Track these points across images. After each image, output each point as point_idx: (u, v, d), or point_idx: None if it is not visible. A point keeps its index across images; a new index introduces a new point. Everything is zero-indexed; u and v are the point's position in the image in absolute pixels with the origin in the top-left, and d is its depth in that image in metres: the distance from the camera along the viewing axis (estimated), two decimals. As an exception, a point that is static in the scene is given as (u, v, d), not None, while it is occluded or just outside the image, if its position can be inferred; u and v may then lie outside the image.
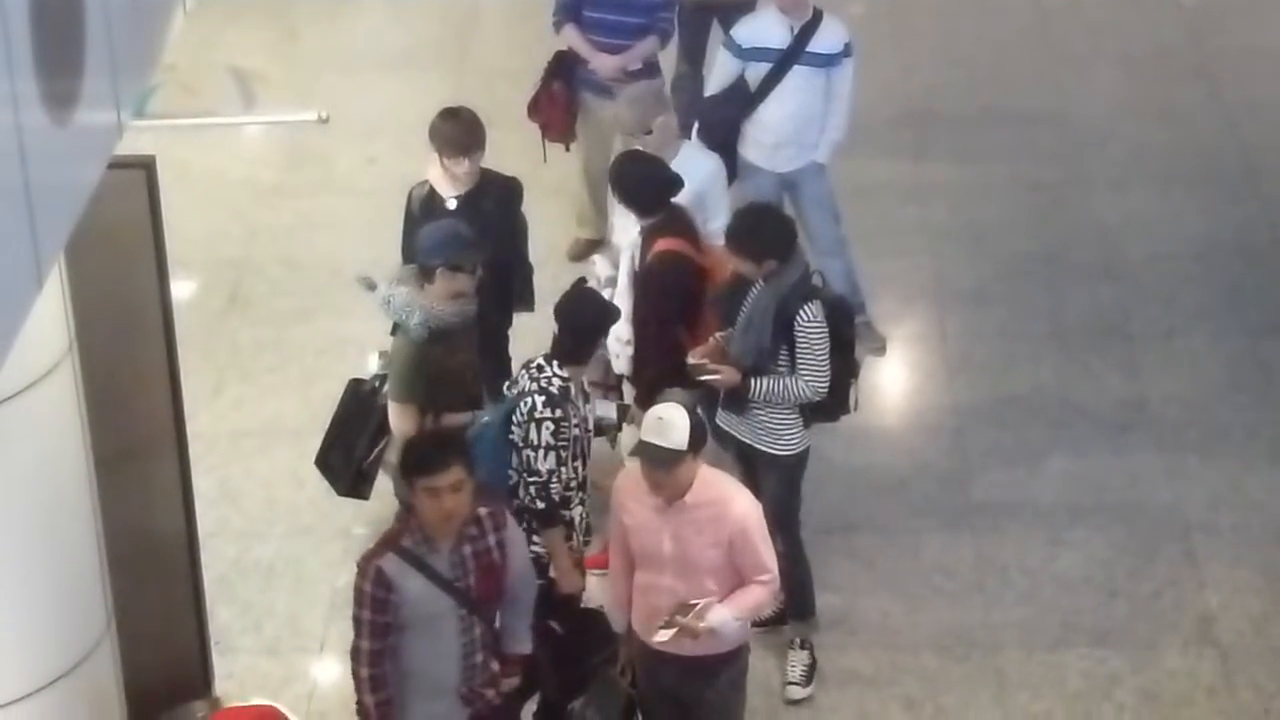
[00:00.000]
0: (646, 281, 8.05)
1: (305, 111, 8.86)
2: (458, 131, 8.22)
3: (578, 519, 7.28)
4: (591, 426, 7.37)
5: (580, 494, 7.27)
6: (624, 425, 8.27)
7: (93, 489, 6.45)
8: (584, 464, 7.24)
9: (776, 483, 7.65)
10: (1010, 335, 9.98)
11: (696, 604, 6.61)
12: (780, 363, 7.46)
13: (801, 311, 7.37)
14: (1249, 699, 7.90)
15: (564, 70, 9.94)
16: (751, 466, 7.71)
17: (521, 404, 7.05)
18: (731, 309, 7.60)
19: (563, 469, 7.08)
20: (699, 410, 6.96)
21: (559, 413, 7.02)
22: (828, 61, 9.31)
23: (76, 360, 6.23)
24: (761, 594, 6.76)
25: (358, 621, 6.40)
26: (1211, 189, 11.12)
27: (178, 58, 11.30)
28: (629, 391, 8.32)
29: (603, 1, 9.79)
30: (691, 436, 6.50)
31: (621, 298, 8.25)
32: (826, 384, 7.47)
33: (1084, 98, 12.00)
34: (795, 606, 7.88)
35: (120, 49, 4.93)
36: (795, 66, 9.28)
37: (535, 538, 7.16)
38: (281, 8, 12.94)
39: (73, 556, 6.37)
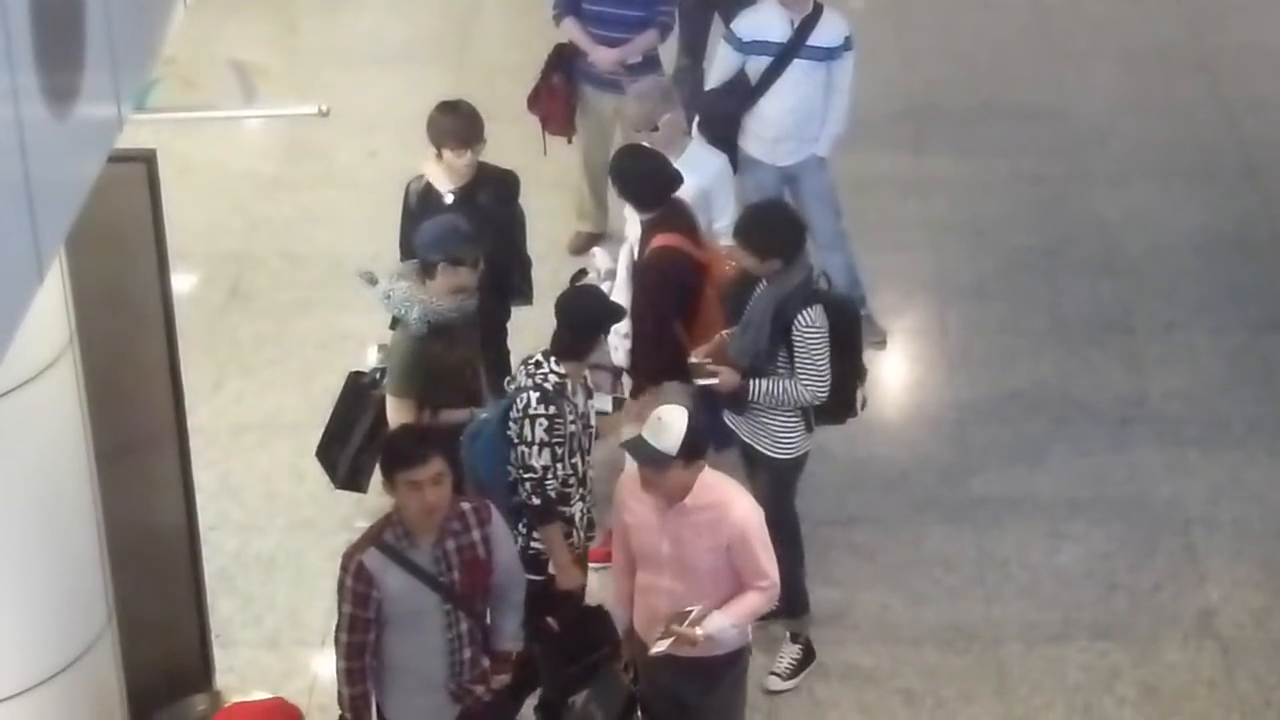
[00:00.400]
0: (644, 276, 8.05)
1: (306, 105, 8.83)
2: (459, 124, 8.21)
3: (578, 515, 7.26)
4: (593, 421, 7.36)
5: (581, 489, 7.25)
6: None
7: (93, 483, 6.45)
8: (583, 459, 7.23)
9: (769, 484, 7.62)
10: (1011, 330, 9.98)
11: (693, 611, 6.57)
12: (780, 365, 7.43)
13: (801, 315, 7.33)
14: (1249, 692, 7.91)
15: (564, 63, 9.94)
16: (752, 464, 7.71)
17: (517, 400, 7.05)
18: (737, 307, 7.59)
19: (559, 465, 7.06)
20: (701, 417, 6.85)
21: (553, 409, 7.01)
22: (828, 55, 9.30)
23: (77, 354, 6.24)
24: (760, 600, 6.71)
25: (340, 614, 6.43)
26: (1211, 184, 11.13)
27: (178, 51, 11.29)
28: (627, 384, 8.32)
29: (603, -6, 9.80)
30: (685, 443, 6.41)
31: (620, 291, 8.25)
32: (826, 388, 7.43)
33: (1084, 93, 12.00)
34: (787, 604, 7.85)
35: (120, 42, 4.92)
36: (795, 60, 9.28)
37: (536, 534, 7.16)
38: (282, 2, 12.94)
39: (73, 551, 6.37)
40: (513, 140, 9.78)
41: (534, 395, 7.01)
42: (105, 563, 6.56)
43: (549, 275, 9.24)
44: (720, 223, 8.40)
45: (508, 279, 8.44)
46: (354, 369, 8.08)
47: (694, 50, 10.73)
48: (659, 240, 7.94)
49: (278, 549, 8.62)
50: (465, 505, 6.51)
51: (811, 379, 7.40)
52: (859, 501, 8.78)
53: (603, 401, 8.03)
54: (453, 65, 12.09)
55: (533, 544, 7.13)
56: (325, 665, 7.95)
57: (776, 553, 6.75)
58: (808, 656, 7.96)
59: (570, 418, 7.08)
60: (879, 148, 11.10)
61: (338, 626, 6.45)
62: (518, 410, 7.03)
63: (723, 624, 6.62)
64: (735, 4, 9.95)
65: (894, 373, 9.72)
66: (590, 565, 7.65)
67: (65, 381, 6.17)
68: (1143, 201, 10.98)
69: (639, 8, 9.82)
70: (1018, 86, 12.10)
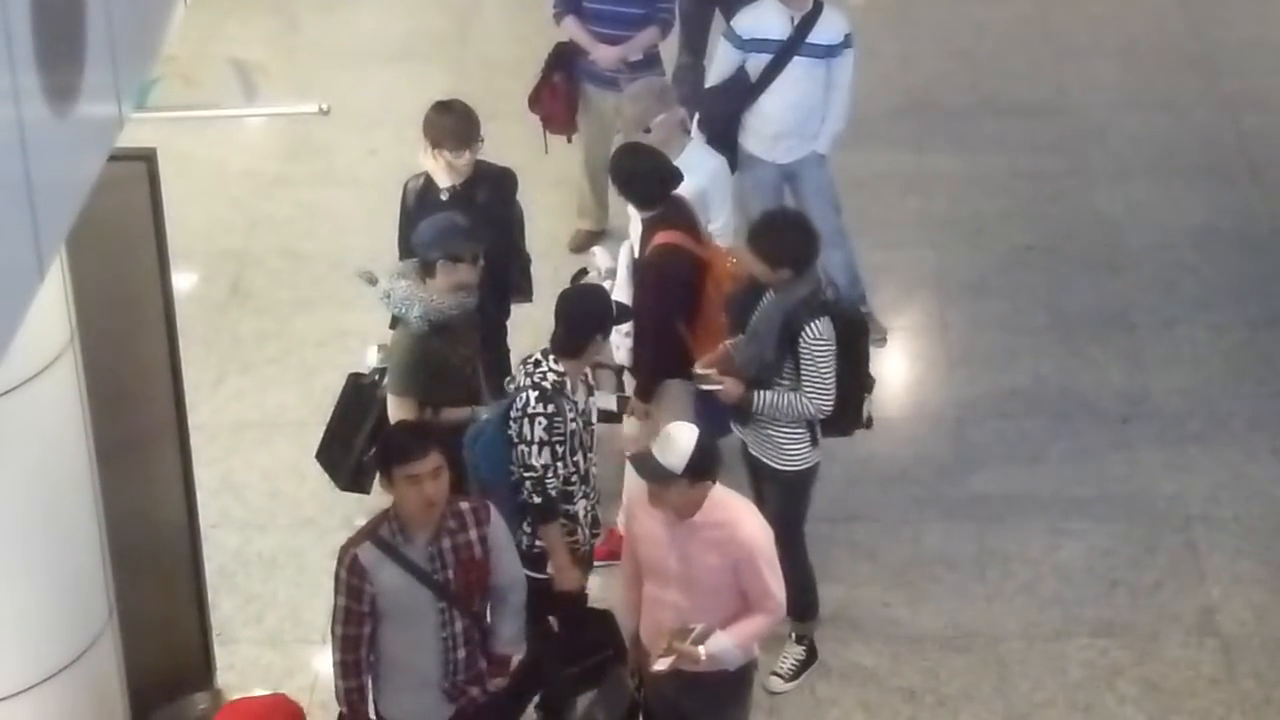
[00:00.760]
0: (645, 274, 8.05)
1: (306, 103, 8.82)
2: (457, 124, 8.21)
3: (582, 513, 7.25)
4: (595, 419, 7.36)
5: (584, 487, 7.24)
6: (624, 417, 8.28)
7: (94, 480, 6.45)
8: (585, 457, 7.22)
9: (777, 496, 7.58)
10: (1011, 326, 9.98)
11: (696, 629, 6.52)
12: (785, 377, 7.39)
13: (808, 327, 7.28)
14: (1251, 688, 7.91)
15: (565, 62, 9.93)
16: (758, 476, 7.66)
17: (517, 400, 7.05)
18: (743, 316, 7.56)
19: (559, 464, 7.05)
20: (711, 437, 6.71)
21: (551, 408, 7.01)
22: (828, 52, 9.30)
23: (78, 352, 6.24)
24: (765, 623, 6.67)
25: (335, 607, 6.45)
26: (1212, 180, 11.12)
27: (178, 49, 11.29)
28: (629, 383, 8.32)
29: (604, -7, 9.80)
30: (691, 462, 6.36)
31: (621, 290, 8.24)
32: (831, 401, 7.38)
33: (1084, 89, 11.99)
34: (795, 606, 7.83)
35: (121, 41, 4.93)
36: (795, 57, 9.28)
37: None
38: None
39: (74, 548, 6.37)
40: (513, 138, 9.78)
41: (533, 394, 7.01)
42: (106, 561, 6.57)
43: (549, 273, 9.24)
44: (716, 224, 8.40)
45: (507, 277, 8.43)
46: (353, 370, 8.07)
47: (695, 48, 10.73)
48: (660, 238, 7.94)
49: (279, 547, 8.62)
50: (464, 504, 6.51)
51: (817, 392, 7.35)
52: (859, 499, 8.78)
53: (606, 400, 8.03)
54: (453, 62, 12.09)
55: (537, 543, 7.12)
56: (326, 663, 7.93)
57: (787, 561, 6.69)
58: (810, 657, 7.96)
59: (570, 415, 7.07)
60: (879, 144, 11.10)
61: (333, 619, 6.48)
62: (517, 409, 7.03)
63: (725, 644, 6.58)
64: (736, 1, 9.94)
65: (894, 369, 9.71)
66: (594, 564, 7.64)
67: (66, 379, 6.18)
68: (1143, 198, 10.97)
69: (640, 5, 9.82)
70: (1018, 83, 12.10)
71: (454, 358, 7.53)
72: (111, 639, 6.64)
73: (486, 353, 8.02)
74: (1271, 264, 10.38)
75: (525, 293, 8.65)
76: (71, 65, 4.55)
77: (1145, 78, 12.11)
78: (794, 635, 7.94)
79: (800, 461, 7.56)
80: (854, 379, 7.48)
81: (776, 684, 7.87)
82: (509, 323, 8.61)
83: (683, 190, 8.11)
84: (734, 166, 9.20)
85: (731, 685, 6.82)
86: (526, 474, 7.03)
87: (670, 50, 10.50)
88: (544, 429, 7.00)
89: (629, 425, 8.23)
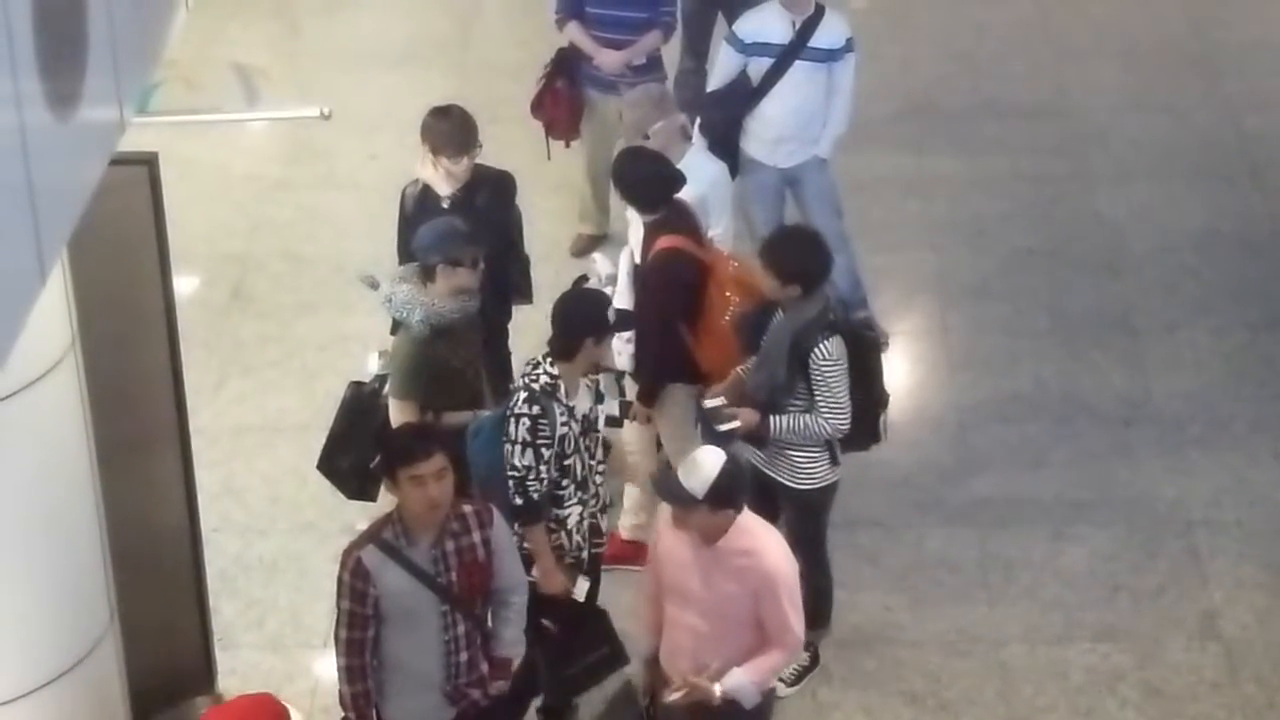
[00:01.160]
0: (647, 277, 8.05)
1: (307, 107, 8.84)
2: (455, 129, 8.21)
3: (574, 519, 7.22)
4: (602, 425, 7.32)
5: (579, 494, 7.22)
6: (625, 421, 8.27)
7: (95, 484, 6.45)
8: (582, 463, 7.19)
9: (796, 516, 7.55)
10: (1012, 330, 9.98)
11: (712, 666, 6.46)
12: (799, 398, 7.36)
13: (818, 349, 7.26)
14: (1253, 693, 7.90)
15: (567, 67, 9.93)
16: (768, 495, 7.52)
17: (511, 400, 7.07)
18: (753, 339, 7.53)
19: (543, 467, 7.03)
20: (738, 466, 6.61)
21: (536, 409, 6.99)
22: (829, 56, 9.31)
23: (79, 356, 6.24)
24: (783, 659, 6.62)
25: (339, 610, 6.44)
26: (1213, 182, 11.12)
27: (180, 54, 11.28)
28: (630, 388, 8.32)
29: (605, -3, 9.80)
30: (713, 488, 6.29)
31: (622, 296, 8.24)
32: (847, 420, 7.36)
33: (1085, 92, 11.99)
34: (808, 613, 7.79)
35: (122, 45, 4.93)
36: (797, 62, 9.28)
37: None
38: (283, 3, 12.94)
39: (76, 552, 6.37)
40: (515, 142, 9.79)
41: (522, 395, 7.02)
42: (107, 565, 6.56)
43: (550, 277, 9.24)
44: (716, 229, 8.39)
45: (508, 280, 8.43)
46: (354, 379, 8.06)
47: (697, 52, 10.73)
48: (662, 242, 7.94)
49: (280, 551, 8.62)
50: (467, 507, 6.51)
51: (832, 411, 7.33)
52: (861, 503, 8.76)
53: (608, 405, 8.01)
54: (454, 67, 12.09)
55: (524, 544, 7.11)
56: (328, 667, 7.94)
57: (807, 570, 6.62)
58: (812, 662, 7.95)
59: (561, 419, 7.04)
60: (880, 148, 11.10)
61: (337, 623, 6.47)
62: (508, 408, 7.04)
63: (742, 681, 6.52)
64: (739, 5, 9.94)
65: (895, 374, 9.69)
66: (611, 565, 7.66)
67: (68, 383, 6.17)
68: (1144, 201, 10.97)
69: (642, 9, 9.81)
70: (1018, 86, 12.09)
71: (455, 361, 7.53)
72: (112, 643, 6.64)
73: (488, 356, 8.02)
74: (1273, 267, 10.37)
75: (526, 294, 8.65)
76: (73, 70, 4.55)
77: (1146, 80, 12.11)
78: (801, 641, 7.93)
79: (818, 480, 7.54)
80: (868, 395, 7.46)
81: (780, 689, 7.85)
82: (511, 326, 8.62)
83: (683, 196, 8.11)
84: (735, 171, 9.20)
85: (748, 716, 6.70)
86: (510, 473, 7.02)
87: (672, 54, 10.50)
88: (527, 429, 6.99)
89: (629, 430, 8.23)
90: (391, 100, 11.52)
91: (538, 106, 9.97)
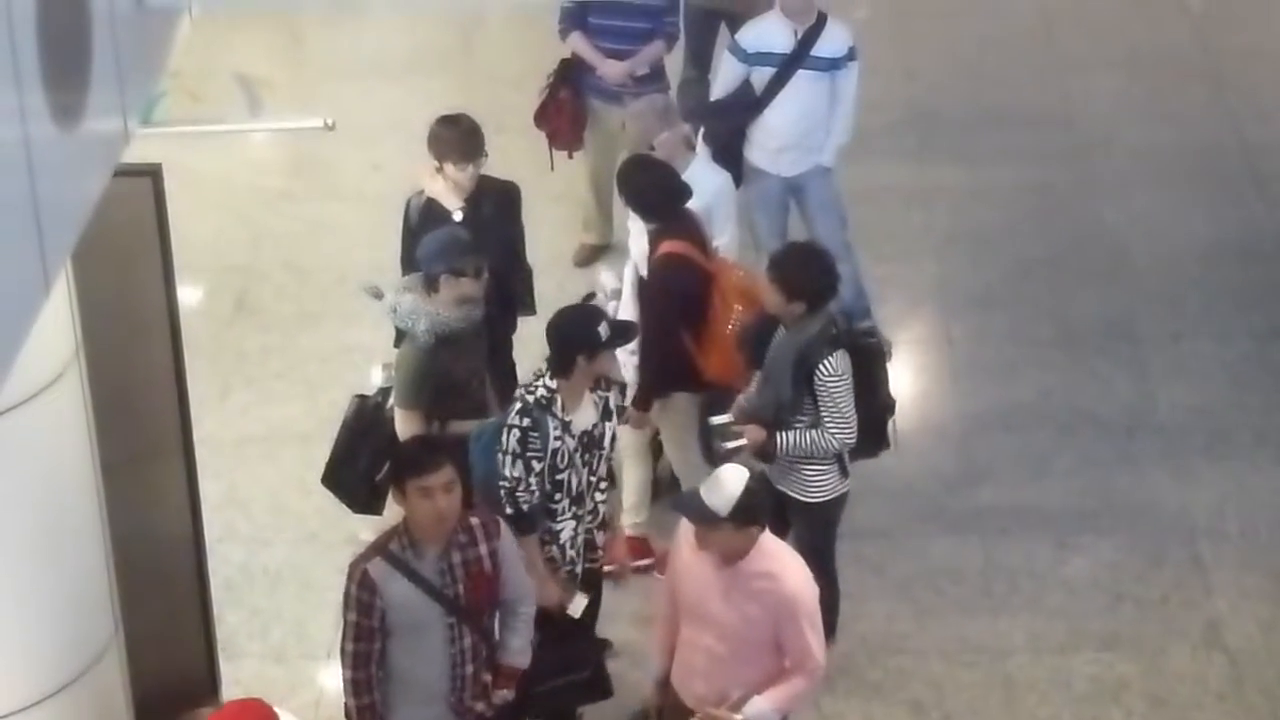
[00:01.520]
0: (650, 282, 8.05)
1: (311, 118, 8.84)
2: (462, 138, 8.21)
3: (566, 533, 7.19)
4: (606, 443, 7.25)
5: (575, 508, 7.18)
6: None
7: (100, 495, 6.45)
8: (579, 477, 7.14)
9: (805, 528, 7.53)
10: (1016, 339, 9.98)
11: (734, 696, 6.41)
12: (804, 413, 7.36)
13: (823, 365, 7.27)
14: (1258, 703, 7.89)
15: (571, 78, 9.93)
16: (778, 508, 7.42)
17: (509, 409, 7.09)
18: (756, 356, 7.51)
19: (533, 479, 7.02)
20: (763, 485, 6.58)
21: (528, 422, 6.99)
22: (832, 65, 9.32)
23: (83, 367, 6.24)
24: (806, 685, 6.54)
25: (345, 623, 6.43)
26: (1217, 192, 11.12)
27: (183, 65, 11.30)
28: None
29: (608, 7, 9.79)
30: (737, 507, 6.23)
31: (626, 308, 8.24)
32: (853, 434, 7.36)
33: (1088, 101, 11.99)
34: None
35: (126, 57, 4.93)
36: (800, 71, 9.29)
37: None
38: (286, 15, 12.94)
39: (80, 563, 6.37)
40: (518, 152, 9.79)
41: (515, 406, 7.03)
42: (111, 575, 6.56)
43: (553, 287, 9.24)
44: (720, 240, 8.39)
45: (512, 289, 8.43)
46: (357, 392, 8.06)
47: (700, 61, 10.73)
48: (665, 247, 7.94)
49: (284, 561, 8.62)
50: (474, 519, 6.51)
51: (839, 426, 7.34)
52: (865, 513, 8.75)
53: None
54: (457, 77, 12.09)
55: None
56: (332, 678, 7.94)
57: (819, 583, 6.57)
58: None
59: (555, 434, 7.02)
60: (882, 157, 11.10)
61: (343, 635, 6.46)
62: (505, 417, 7.06)
63: (763, 709, 6.46)
64: (742, 15, 9.94)
65: (899, 383, 9.65)
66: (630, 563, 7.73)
67: (71, 394, 6.17)
68: (1147, 210, 10.97)
69: (645, 19, 9.82)
70: (1021, 94, 12.09)
71: (460, 371, 7.54)
72: (116, 654, 6.63)
73: (493, 366, 8.01)
74: (1276, 276, 10.37)
75: (528, 305, 8.64)
76: (77, 82, 4.56)
77: (1149, 90, 12.11)
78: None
79: (826, 492, 7.54)
80: (874, 404, 7.46)
81: None
82: (515, 336, 8.61)
83: (688, 207, 8.11)
84: (740, 181, 9.20)
85: None
86: (501, 483, 7.03)
87: (675, 64, 10.50)
88: (517, 441, 6.98)
89: (623, 434, 8.22)
90: (395, 111, 11.52)
91: (541, 116, 9.97)
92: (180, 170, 9.37)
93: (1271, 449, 9.21)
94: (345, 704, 6.54)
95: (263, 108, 11.58)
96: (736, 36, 9.56)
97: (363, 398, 7.96)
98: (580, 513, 7.22)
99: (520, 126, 10.16)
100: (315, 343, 9.91)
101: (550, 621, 7.09)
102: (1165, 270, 10.46)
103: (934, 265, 10.53)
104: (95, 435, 6.39)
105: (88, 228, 4.71)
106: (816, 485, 7.50)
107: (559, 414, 7.04)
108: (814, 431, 7.35)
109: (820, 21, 9.32)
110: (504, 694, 6.68)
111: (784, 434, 7.35)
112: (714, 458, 7.68)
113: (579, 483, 7.16)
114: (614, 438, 7.34)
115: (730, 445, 7.42)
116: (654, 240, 8.03)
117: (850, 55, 9.36)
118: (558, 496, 7.12)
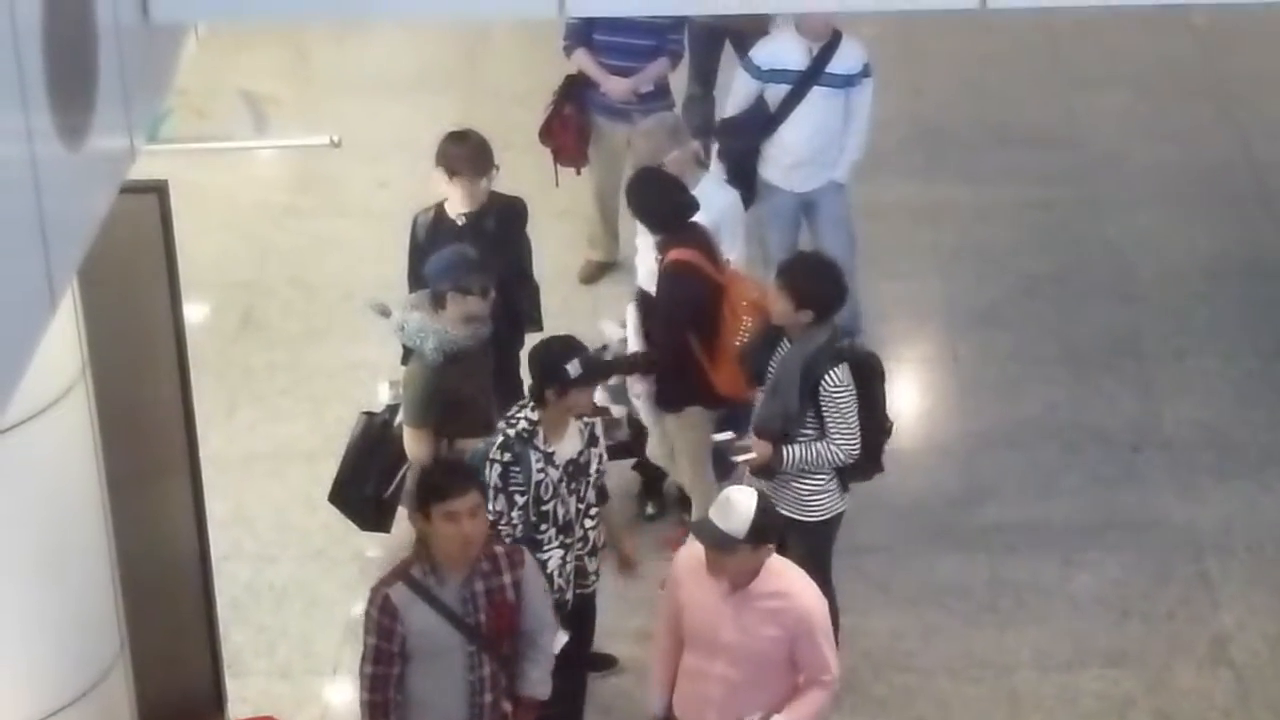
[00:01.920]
0: (657, 291, 8.05)
1: (317, 135, 8.86)
2: (472, 153, 8.23)
3: (554, 562, 7.14)
4: (593, 471, 7.22)
5: (562, 537, 7.15)
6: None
7: (106, 512, 6.45)
8: (566, 506, 7.11)
9: (802, 546, 7.46)
10: (1021, 356, 9.97)
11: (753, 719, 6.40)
12: (809, 427, 7.37)
13: (828, 376, 7.28)
14: (1264, 719, 7.88)
15: (576, 94, 9.95)
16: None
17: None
18: (760, 369, 7.53)
19: (515, 512, 7.01)
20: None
21: (508, 456, 6.98)
22: (846, 82, 9.33)
23: (90, 384, 6.24)
24: (824, 698, 6.54)
25: (365, 646, 6.41)
26: (1222, 209, 11.12)
27: (190, 82, 11.31)
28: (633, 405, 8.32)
29: (613, 24, 9.80)
30: (753, 526, 6.25)
31: (633, 338, 8.24)
32: (857, 445, 7.37)
33: (1095, 118, 11.99)
34: None
35: (132, 75, 4.94)
36: (815, 87, 9.30)
37: None
38: (292, 32, 12.96)
39: (86, 580, 6.37)
40: (524, 168, 9.80)
41: (497, 440, 7.01)
42: (117, 592, 6.56)
43: (559, 303, 9.25)
44: (728, 257, 8.39)
45: (519, 305, 8.44)
46: (364, 409, 8.06)
47: (705, 79, 10.75)
48: (673, 254, 7.94)
49: (290, 578, 8.61)
50: (498, 548, 6.47)
51: (844, 438, 7.35)
52: (871, 530, 8.75)
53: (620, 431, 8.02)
54: (463, 94, 12.10)
55: None
56: (338, 695, 7.96)
57: None
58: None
59: (538, 466, 7.00)
60: (888, 174, 11.09)
61: (362, 658, 6.42)
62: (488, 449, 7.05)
63: None
64: (748, 33, 9.96)
65: (905, 400, 9.69)
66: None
67: (78, 411, 6.18)
68: (1153, 227, 10.97)
69: (649, 36, 9.83)
70: (1028, 112, 12.10)
71: (468, 388, 7.54)
72: (123, 671, 6.63)
73: (500, 383, 8.02)
74: (1283, 293, 10.38)
75: (536, 322, 8.64)
76: (84, 101, 4.56)
77: (1156, 107, 12.11)
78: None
79: (823, 511, 7.53)
80: (872, 422, 7.46)
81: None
82: (522, 353, 8.61)
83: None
84: (749, 201, 9.20)
85: None
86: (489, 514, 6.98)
87: (680, 81, 10.51)
88: (499, 475, 6.98)
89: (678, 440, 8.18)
90: (401, 128, 11.54)
91: (546, 133, 9.99)
92: (186, 187, 9.38)
93: (1278, 465, 9.20)
94: None
95: (269, 125, 11.60)
96: (750, 53, 9.55)
97: (370, 415, 7.96)
98: (569, 541, 7.19)
99: (525, 143, 10.18)
100: (321, 359, 9.91)
101: None
102: (1171, 287, 10.46)
103: (940, 282, 10.53)
104: (101, 452, 6.40)
105: (94, 245, 4.71)
106: (814, 504, 7.50)
107: (541, 446, 7.02)
108: (819, 444, 7.35)
109: (835, 38, 9.33)
110: None
111: (789, 448, 7.36)
112: (724, 473, 7.68)
113: (566, 512, 7.14)
114: (602, 463, 7.30)
115: (738, 459, 7.42)
116: (662, 249, 8.04)
117: (865, 72, 9.38)
118: (543, 527, 7.09)
